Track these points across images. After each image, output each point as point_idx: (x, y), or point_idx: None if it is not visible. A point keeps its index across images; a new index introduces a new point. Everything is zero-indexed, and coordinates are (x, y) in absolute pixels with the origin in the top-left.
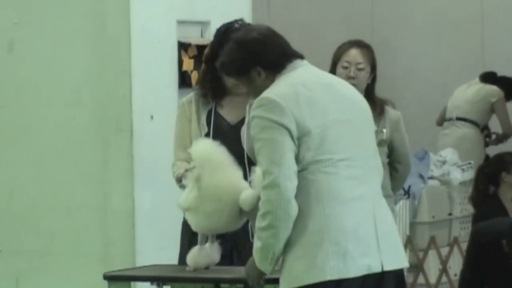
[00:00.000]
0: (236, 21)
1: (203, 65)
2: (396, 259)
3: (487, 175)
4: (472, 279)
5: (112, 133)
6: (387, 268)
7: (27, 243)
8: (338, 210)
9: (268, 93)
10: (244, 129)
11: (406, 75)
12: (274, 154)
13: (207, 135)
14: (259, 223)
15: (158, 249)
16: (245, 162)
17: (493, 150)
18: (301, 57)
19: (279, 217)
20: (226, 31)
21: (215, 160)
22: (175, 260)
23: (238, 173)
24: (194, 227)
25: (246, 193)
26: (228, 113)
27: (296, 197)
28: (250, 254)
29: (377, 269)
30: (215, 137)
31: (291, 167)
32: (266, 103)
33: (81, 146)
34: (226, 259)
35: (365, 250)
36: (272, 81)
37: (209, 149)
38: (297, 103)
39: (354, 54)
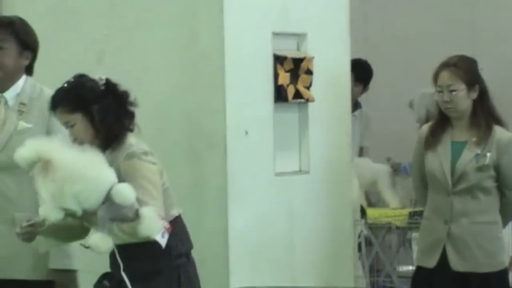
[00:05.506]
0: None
1: None
2: None
3: None
4: None
5: (205, 148)
6: None
7: None
8: None
9: None
10: None
11: (507, 86)
12: None
13: None
14: None
15: (252, 270)
16: None
17: None
18: None
19: None
20: None
21: (48, 151)
22: (269, 282)
23: (87, 154)
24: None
25: (122, 186)
26: None
27: None
28: None
29: None
30: None
31: None
32: None
33: (172, 161)
34: None
35: None
36: None
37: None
38: None
39: (443, 77)
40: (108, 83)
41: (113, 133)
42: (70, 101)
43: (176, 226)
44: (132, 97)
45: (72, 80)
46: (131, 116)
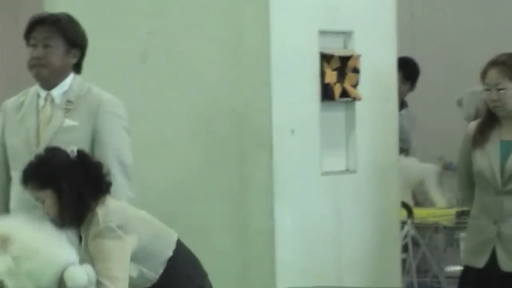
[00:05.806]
0: None
1: None
2: None
3: None
4: None
5: (251, 147)
6: None
7: None
8: None
9: None
10: None
11: None
12: None
13: None
14: None
15: (299, 270)
16: None
17: None
18: None
19: None
20: None
21: (7, 227)
22: (316, 282)
23: (44, 233)
24: None
25: (73, 269)
26: None
27: None
28: None
29: None
30: None
31: None
32: None
33: (218, 161)
34: None
35: None
36: None
37: None
38: None
39: (491, 75)
40: (80, 155)
41: (81, 210)
42: (39, 177)
43: (178, 264)
44: (105, 168)
45: (42, 153)
46: (106, 186)
